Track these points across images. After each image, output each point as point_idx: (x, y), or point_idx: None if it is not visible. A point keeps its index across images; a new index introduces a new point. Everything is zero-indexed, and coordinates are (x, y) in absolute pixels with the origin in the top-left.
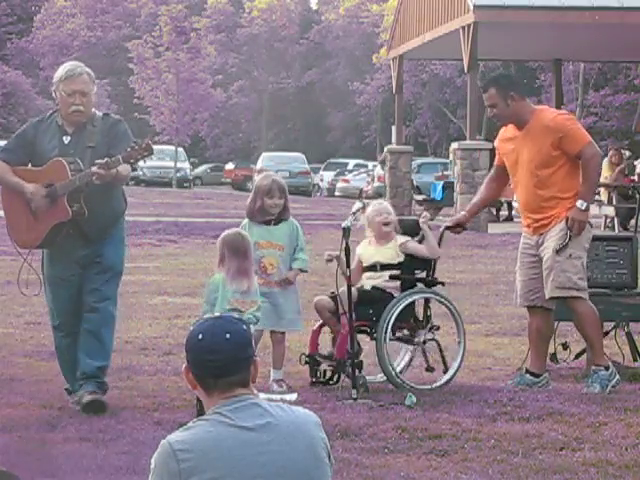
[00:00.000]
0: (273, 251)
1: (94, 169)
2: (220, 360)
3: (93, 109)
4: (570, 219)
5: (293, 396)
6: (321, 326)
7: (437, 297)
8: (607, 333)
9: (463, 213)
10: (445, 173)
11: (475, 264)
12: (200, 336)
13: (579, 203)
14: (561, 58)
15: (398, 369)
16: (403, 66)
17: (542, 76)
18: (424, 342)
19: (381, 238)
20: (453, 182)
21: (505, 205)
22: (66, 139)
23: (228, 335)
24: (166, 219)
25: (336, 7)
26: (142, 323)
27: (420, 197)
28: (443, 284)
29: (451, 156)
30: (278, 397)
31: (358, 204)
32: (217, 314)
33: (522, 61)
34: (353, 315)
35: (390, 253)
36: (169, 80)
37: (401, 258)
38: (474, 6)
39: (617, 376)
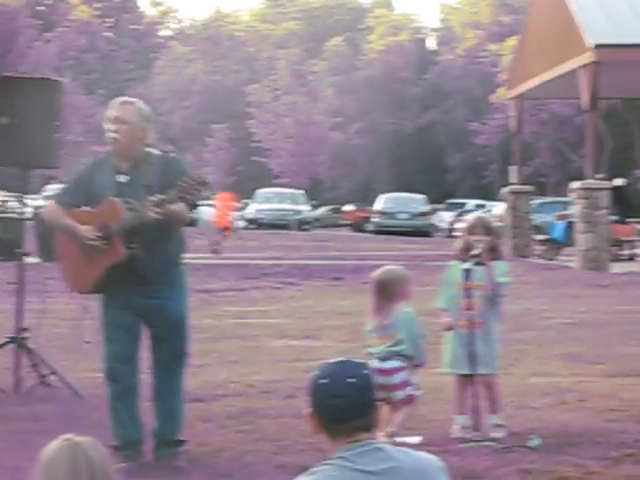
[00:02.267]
0: (478, 292)
1: (147, 208)
2: (344, 404)
3: (150, 149)
4: None
5: (417, 439)
6: None
7: None
8: None
9: None
10: (565, 213)
11: (597, 304)
12: (324, 380)
13: None
14: None
15: None
16: (523, 105)
17: None
18: None
19: None
20: (574, 222)
21: (626, 244)
22: (121, 178)
23: (351, 380)
24: (286, 262)
25: (454, 47)
26: (263, 366)
27: (541, 237)
28: None
29: (572, 195)
30: (401, 440)
31: (478, 247)
32: (340, 359)
33: None
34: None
35: None
36: (287, 123)
37: None
38: (595, 45)
39: None
